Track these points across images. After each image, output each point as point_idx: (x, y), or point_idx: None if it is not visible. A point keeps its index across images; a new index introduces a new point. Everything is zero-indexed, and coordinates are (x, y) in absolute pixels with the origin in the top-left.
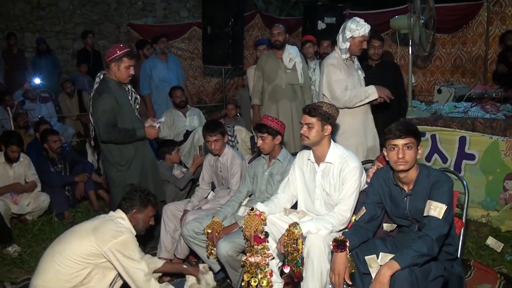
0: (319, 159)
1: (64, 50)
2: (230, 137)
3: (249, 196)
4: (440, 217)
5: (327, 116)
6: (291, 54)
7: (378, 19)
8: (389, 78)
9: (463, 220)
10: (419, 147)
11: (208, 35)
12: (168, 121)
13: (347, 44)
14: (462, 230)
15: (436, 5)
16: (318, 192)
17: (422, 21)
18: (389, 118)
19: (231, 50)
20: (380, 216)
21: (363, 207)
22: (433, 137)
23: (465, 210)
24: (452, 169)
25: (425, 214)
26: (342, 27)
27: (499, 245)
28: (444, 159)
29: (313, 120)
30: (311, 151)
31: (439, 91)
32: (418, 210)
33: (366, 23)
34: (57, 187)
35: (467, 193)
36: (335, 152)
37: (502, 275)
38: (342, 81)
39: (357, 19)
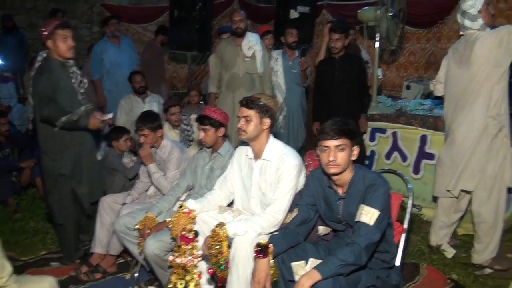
0: (256, 155)
1: (34, 28)
2: (186, 126)
3: (189, 191)
4: (372, 224)
5: (266, 108)
6: (250, 42)
7: (355, 11)
8: (352, 72)
9: (405, 226)
10: (353, 148)
11: (175, 18)
12: (126, 107)
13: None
14: (402, 237)
15: None
16: (254, 190)
17: (391, 13)
18: (350, 114)
19: (197, 35)
20: (313, 219)
21: (296, 209)
22: (394, 134)
23: (407, 214)
24: (411, 169)
25: (356, 219)
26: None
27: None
28: (404, 157)
29: (250, 112)
30: (249, 146)
31: (408, 87)
32: (351, 215)
33: None
34: (0, 172)
35: (411, 197)
36: (273, 148)
37: (452, 281)
38: None
39: None
